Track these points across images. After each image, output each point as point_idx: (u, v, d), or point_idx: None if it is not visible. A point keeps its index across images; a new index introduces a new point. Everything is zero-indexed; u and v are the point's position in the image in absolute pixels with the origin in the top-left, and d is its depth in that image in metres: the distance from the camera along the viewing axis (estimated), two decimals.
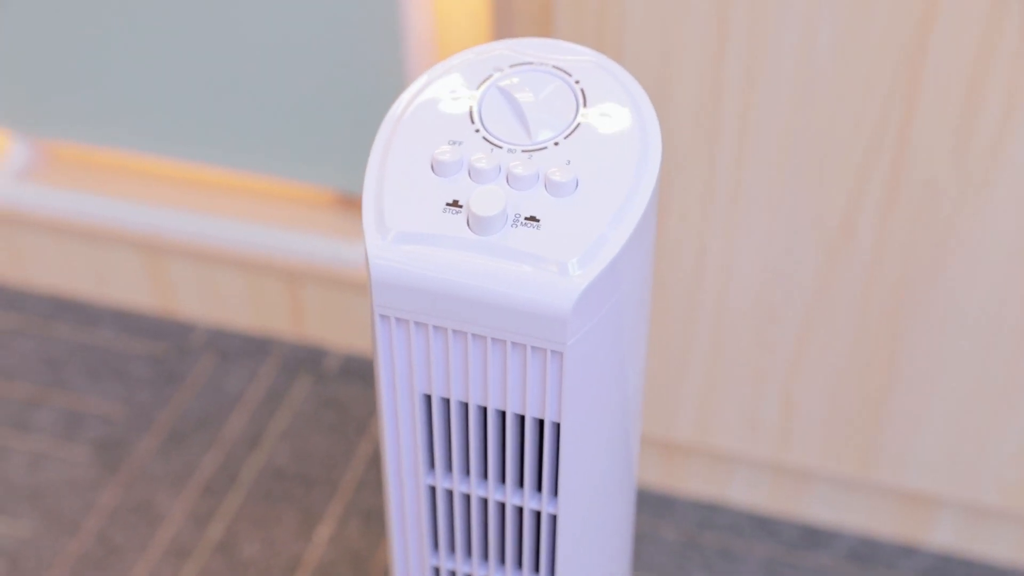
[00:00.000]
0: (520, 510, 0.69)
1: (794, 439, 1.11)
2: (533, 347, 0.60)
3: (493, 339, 0.60)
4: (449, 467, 0.67)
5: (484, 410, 0.65)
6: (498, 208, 0.58)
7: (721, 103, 0.94)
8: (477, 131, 0.62)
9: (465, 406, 0.64)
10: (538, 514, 0.69)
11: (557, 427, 0.63)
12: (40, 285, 1.54)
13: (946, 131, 0.90)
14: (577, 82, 0.63)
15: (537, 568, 0.71)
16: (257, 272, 1.41)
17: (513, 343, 0.60)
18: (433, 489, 0.69)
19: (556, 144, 0.61)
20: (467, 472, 0.68)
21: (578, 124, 0.62)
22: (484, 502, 0.69)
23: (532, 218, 0.59)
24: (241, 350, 1.40)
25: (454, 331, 0.61)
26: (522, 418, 0.64)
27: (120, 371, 1.37)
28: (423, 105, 0.64)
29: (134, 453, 1.29)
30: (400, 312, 0.61)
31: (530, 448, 0.65)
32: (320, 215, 1.40)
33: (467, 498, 0.69)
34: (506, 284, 0.58)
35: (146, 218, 1.46)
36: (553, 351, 0.60)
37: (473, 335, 0.60)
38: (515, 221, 0.59)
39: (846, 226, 0.97)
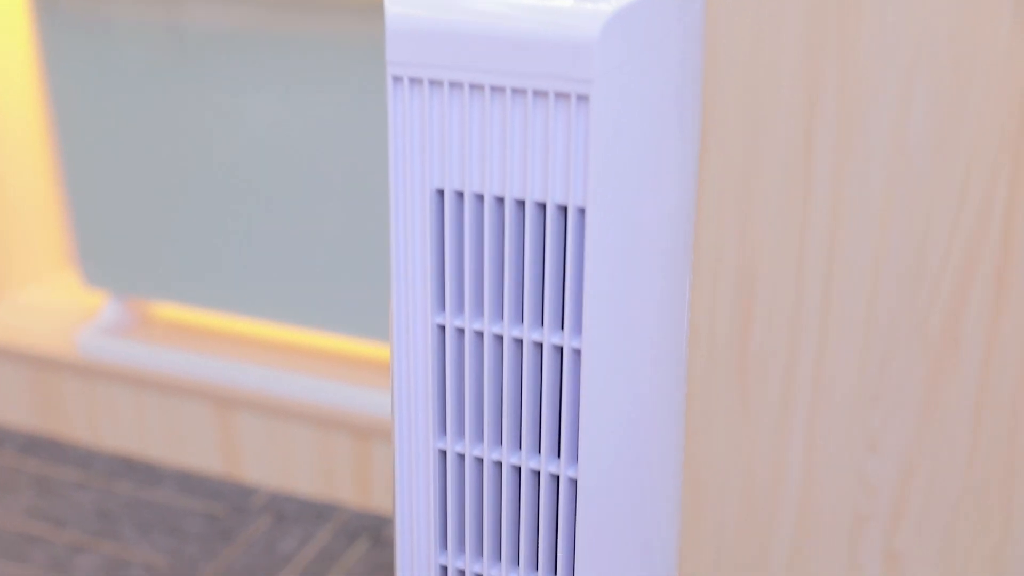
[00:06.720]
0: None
1: None
2: (557, 93, 0.53)
3: (513, 90, 0.54)
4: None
5: (502, 213, 0.57)
6: None
7: (812, 197, 0.89)
8: None
9: (481, 202, 0.57)
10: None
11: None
12: (111, 446, 1.49)
13: None
14: None
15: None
16: (325, 429, 1.35)
17: (535, 92, 0.54)
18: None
19: None
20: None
21: None
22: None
23: None
24: (301, 514, 1.31)
25: (471, 85, 0.55)
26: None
27: (173, 526, 1.29)
28: None
29: None
30: (415, 69, 0.56)
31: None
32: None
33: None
34: (529, 15, 0.53)
35: (219, 372, 1.43)
36: (579, 96, 0.53)
37: (492, 88, 0.55)
38: None
39: (949, 333, 0.88)
